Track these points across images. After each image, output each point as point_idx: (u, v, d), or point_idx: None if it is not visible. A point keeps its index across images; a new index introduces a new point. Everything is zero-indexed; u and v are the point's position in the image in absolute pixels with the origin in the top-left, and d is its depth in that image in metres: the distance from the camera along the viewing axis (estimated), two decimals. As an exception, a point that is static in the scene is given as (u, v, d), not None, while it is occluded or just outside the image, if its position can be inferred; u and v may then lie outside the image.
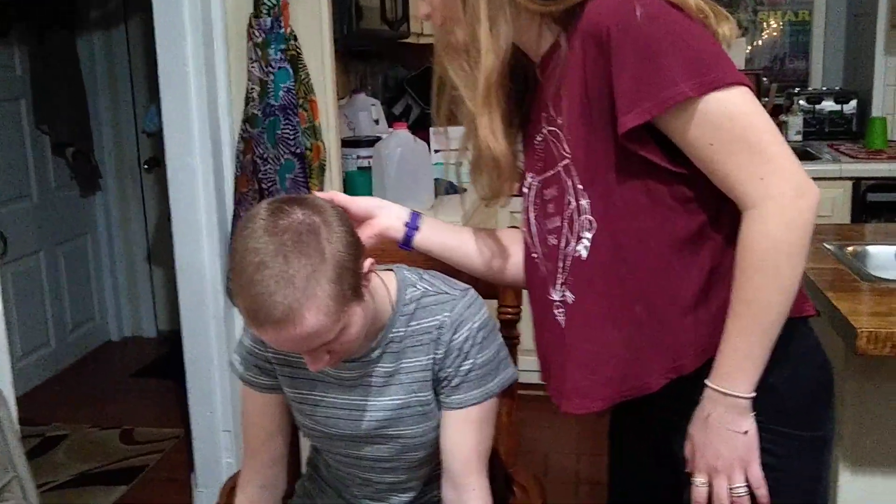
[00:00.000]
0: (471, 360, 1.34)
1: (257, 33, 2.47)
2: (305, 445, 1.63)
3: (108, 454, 3.31)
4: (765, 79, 4.30)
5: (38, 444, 3.40)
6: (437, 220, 1.44)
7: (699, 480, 1.16)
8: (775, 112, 4.13)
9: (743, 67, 4.19)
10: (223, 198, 2.63)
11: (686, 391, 1.15)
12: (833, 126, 4.10)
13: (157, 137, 3.76)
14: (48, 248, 4.15)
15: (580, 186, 1.15)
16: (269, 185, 2.49)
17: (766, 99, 4.11)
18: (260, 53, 2.47)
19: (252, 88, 2.50)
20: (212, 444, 2.79)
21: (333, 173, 2.60)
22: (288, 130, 2.46)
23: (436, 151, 2.90)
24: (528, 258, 1.33)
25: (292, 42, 2.47)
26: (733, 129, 1.05)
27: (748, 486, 1.14)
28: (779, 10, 4.38)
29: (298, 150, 2.47)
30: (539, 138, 1.24)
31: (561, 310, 1.22)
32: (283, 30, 2.45)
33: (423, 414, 1.38)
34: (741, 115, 1.05)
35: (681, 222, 1.12)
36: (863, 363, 1.64)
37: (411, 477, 1.46)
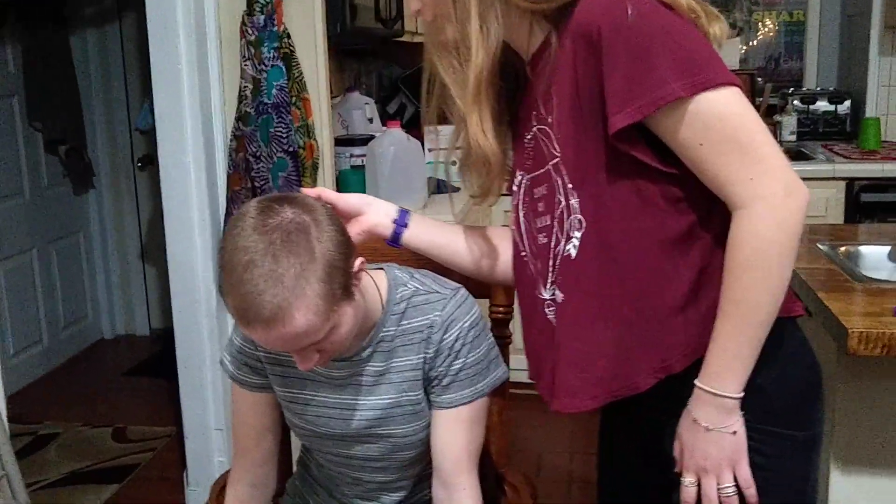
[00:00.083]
0: (461, 360, 1.34)
1: (250, 31, 2.46)
2: (296, 445, 1.62)
3: (100, 452, 3.30)
4: (759, 79, 4.31)
5: (29, 442, 3.39)
6: (425, 218, 1.43)
7: (688, 480, 1.16)
8: (769, 112, 4.13)
9: (737, 67, 4.19)
10: (216, 196, 2.63)
11: (675, 391, 1.15)
12: (827, 126, 4.10)
13: (150, 135, 3.75)
14: (41, 246, 4.14)
15: (570, 185, 1.15)
16: (262, 183, 2.49)
17: (761, 99, 4.11)
18: (253, 51, 2.46)
19: (245, 86, 2.49)
20: (204, 443, 2.79)
21: (327, 172, 2.60)
22: (281, 128, 2.46)
23: (429, 150, 2.90)
24: (517, 256, 1.32)
25: (286, 40, 2.47)
26: (724, 129, 1.05)
27: (737, 486, 1.14)
28: (774, 10, 4.38)
29: (291, 149, 2.47)
30: (529, 136, 1.24)
31: (552, 308, 1.22)
32: (276, 28, 2.45)
33: (414, 413, 1.38)
34: (732, 116, 1.05)
35: (671, 222, 1.11)
36: (854, 363, 1.64)
37: (402, 476, 1.46)
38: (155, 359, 4.32)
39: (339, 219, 1.25)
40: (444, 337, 1.33)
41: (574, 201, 1.15)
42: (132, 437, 3.43)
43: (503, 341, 1.55)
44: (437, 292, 1.37)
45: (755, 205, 1.04)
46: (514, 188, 1.30)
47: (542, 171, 1.21)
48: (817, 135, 4.09)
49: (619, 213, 1.12)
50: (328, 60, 2.56)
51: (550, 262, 1.21)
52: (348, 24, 2.63)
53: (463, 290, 1.39)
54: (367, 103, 3.21)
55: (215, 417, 2.76)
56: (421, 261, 1.45)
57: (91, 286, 4.58)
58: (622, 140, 1.08)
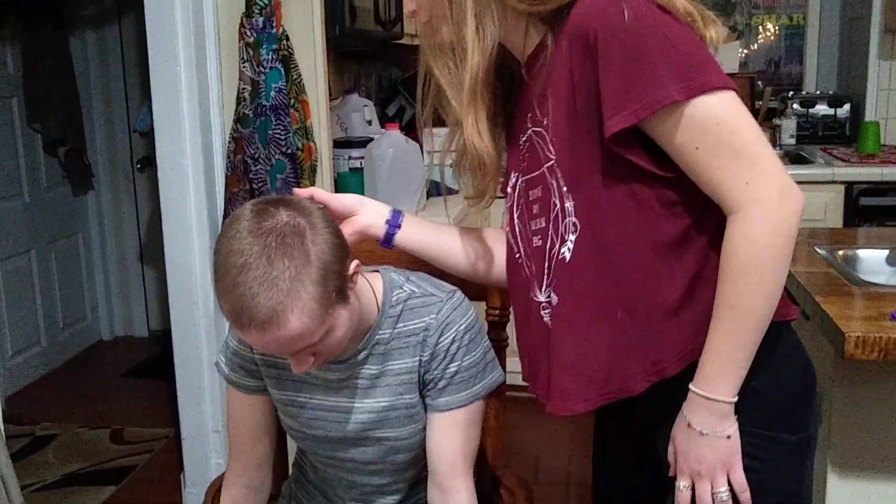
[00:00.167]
0: (457, 363, 1.34)
1: (249, 33, 2.46)
2: (292, 447, 1.62)
3: (98, 454, 3.30)
4: (759, 82, 4.31)
5: (27, 443, 3.38)
6: (419, 219, 1.43)
7: (682, 484, 1.15)
8: (769, 115, 4.13)
9: (737, 71, 4.19)
10: (214, 198, 2.63)
11: (669, 394, 1.15)
12: (826, 130, 4.09)
13: (149, 137, 3.75)
14: (40, 247, 4.14)
15: (565, 188, 1.15)
16: (260, 185, 2.49)
17: (761, 102, 4.11)
18: (251, 53, 2.46)
19: (243, 88, 2.49)
20: (201, 445, 2.78)
21: (325, 174, 2.60)
22: (279, 131, 2.46)
23: (428, 153, 2.90)
24: (511, 258, 1.32)
25: (284, 42, 2.47)
26: (720, 133, 1.04)
27: (731, 490, 1.13)
28: (773, 13, 4.38)
29: (289, 151, 2.47)
30: (524, 138, 1.24)
31: (547, 311, 1.22)
32: (274, 30, 2.45)
33: (409, 416, 1.38)
34: (728, 120, 1.05)
35: (665, 226, 1.11)
36: (851, 367, 1.64)
37: (397, 479, 1.46)
38: (153, 360, 4.31)
39: (335, 221, 1.24)
40: (440, 340, 1.33)
41: (569, 204, 1.15)
42: (130, 438, 3.43)
43: (499, 344, 1.55)
44: (433, 295, 1.36)
45: (750, 209, 1.04)
46: (509, 189, 1.30)
47: (537, 173, 1.21)
48: (817, 138, 4.08)
49: (614, 217, 1.12)
50: (327, 62, 2.56)
51: (546, 265, 1.20)
52: (347, 27, 2.63)
53: (459, 293, 1.38)
54: (366, 105, 3.21)
55: (213, 419, 2.75)
56: (417, 264, 1.45)
57: (90, 287, 4.58)
58: (618, 143, 1.07)
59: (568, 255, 1.16)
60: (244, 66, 2.48)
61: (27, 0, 3.89)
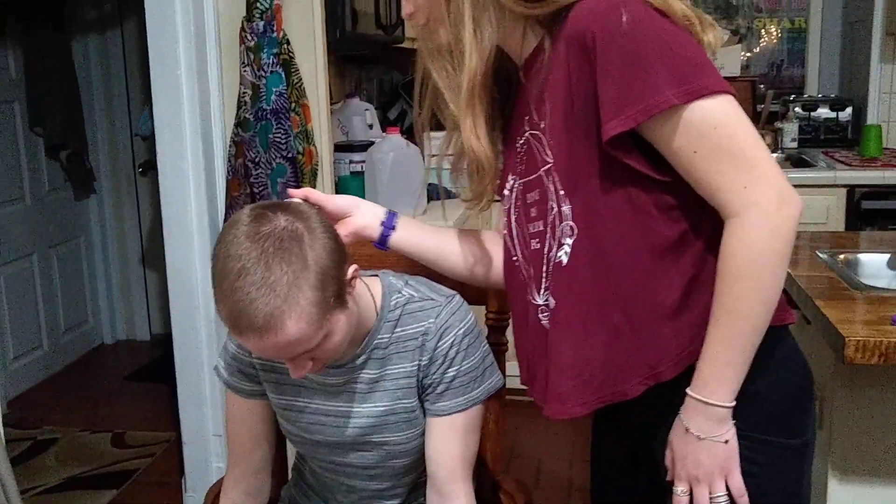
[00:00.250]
0: (455, 367, 1.33)
1: (250, 37, 2.46)
2: (292, 451, 1.62)
3: (99, 458, 3.29)
4: (761, 86, 4.31)
5: (28, 447, 3.38)
6: (415, 221, 1.43)
7: (680, 489, 1.15)
8: (771, 119, 4.13)
9: (739, 74, 4.19)
10: (215, 201, 2.63)
11: (665, 398, 1.14)
12: (828, 133, 4.09)
13: (151, 141, 3.75)
14: (41, 251, 4.14)
15: (562, 192, 1.15)
16: (261, 189, 2.49)
17: (762, 106, 4.11)
18: (252, 57, 2.46)
19: (244, 92, 2.49)
20: (202, 449, 2.78)
21: (326, 178, 2.60)
22: (280, 134, 2.46)
23: (430, 156, 2.89)
24: (508, 261, 1.32)
25: (285, 46, 2.47)
26: (718, 137, 1.04)
27: (729, 494, 1.13)
28: (775, 17, 4.38)
29: (290, 155, 2.47)
30: (521, 141, 1.24)
31: (546, 314, 1.21)
32: (275, 34, 2.45)
33: (408, 421, 1.37)
34: (726, 124, 1.04)
35: (662, 230, 1.11)
36: (852, 372, 1.64)
37: (396, 484, 1.46)
38: (155, 364, 4.31)
39: (333, 226, 1.24)
40: (439, 344, 1.33)
41: (566, 208, 1.14)
42: (131, 442, 3.43)
43: (499, 348, 1.55)
44: (432, 299, 1.36)
45: (748, 213, 1.04)
46: (507, 192, 1.29)
47: (534, 176, 1.20)
48: (818, 142, 4.08)
49: (611, 221, 1.11)
50: (328, 66, 2.56)
51: (544, 268, 1.20)
52: (348, 30, 2.63)
53: (458, 298, 1.38)
54: (367, 109, 3.21)
55: (213, 423, 2.75)
56: (417, 268, 1.45)
57: (92, 291, 4.58)
58: (615, 147, 1.07)
59: (565, 259, 1.16)
60: (245, 70, 2.48)
61: (30, 5, 3.90)
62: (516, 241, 1.28)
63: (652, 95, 1.03)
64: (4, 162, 3.88)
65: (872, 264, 2.01)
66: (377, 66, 3.78)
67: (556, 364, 1.19)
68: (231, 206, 2.57)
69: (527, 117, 1.21)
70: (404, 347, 1.35)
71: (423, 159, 2.78)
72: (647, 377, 1.14)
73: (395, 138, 2.73)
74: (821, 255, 2.00)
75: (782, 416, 1.17)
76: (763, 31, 4.40)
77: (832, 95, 4.22)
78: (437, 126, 1.28)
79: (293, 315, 1.13)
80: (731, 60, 4.10)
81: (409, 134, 2.94)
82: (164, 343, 4.33)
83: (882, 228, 3.37)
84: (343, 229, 1.34)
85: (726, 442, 1.11)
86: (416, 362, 1.34)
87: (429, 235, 1.41)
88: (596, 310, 1.14)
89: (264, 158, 2.47)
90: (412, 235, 1.40)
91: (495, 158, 1.24)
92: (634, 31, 1.04)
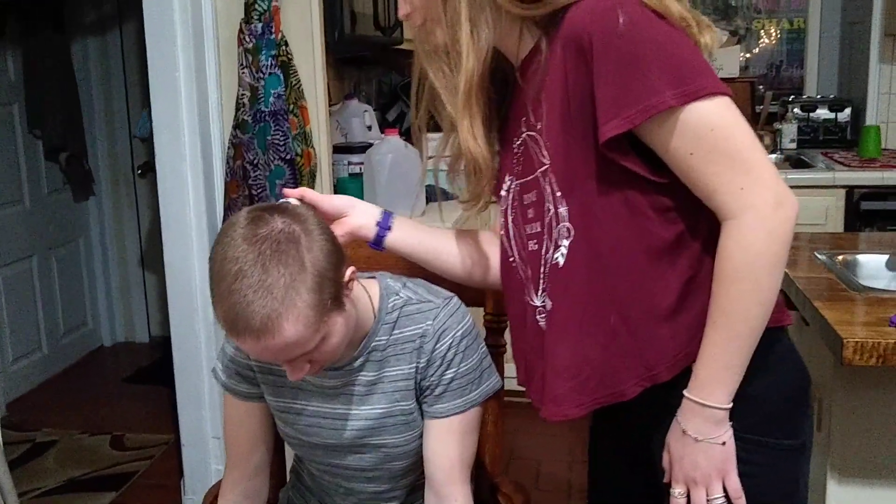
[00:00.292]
0: (453, 369, 1.33)
1: (248, 39, 2.46)
2: (290, 454, 1.61)
3: (98, 460, 3.29)
4: (760, 86, 4.30)
5: (27, 449, 3.38)
6: (411, 221, 1.42)
7: (677, 491, 1.15)
8: (770, 120, 4.13)
9: (738, 75, 4.18)
10: (213, 203, 2.63)
11: (662, 399, 1.14)
12: (827, 134, 4.09)
13: (150, 143, 3.75)
14: (41, 253, 4.14)
15: (558, 193, 1.14)
16: (259, 190, 2.49)
17: (761, 107, 4.11)
18: (251, 59, 2.46)
19: (243, 94, 2.49)
20: (201, 451, 2.78)
21: (324, 179, 2.59)
22: (278, 136, 2.46)
23: (428, 158, 2.89)
24: (505, 262, 1.32)
25: (283, 48, 2.47)
26: (714, 139, 1.04)
27: (727, 496, 1.13)
28: (774, 18, 4.38)
29: (288, 156, 2.47)
30: (518, 142, 1.23)
31: (543, 315, 1.21)
32: (273, 35, 2.45)
33: (406, 423, 1.37)
34: (723, 126, 1.04)
35: (659, 231, 1.11)
36: (850, 373, 1.64)
37: (394, 486, 1.45)
38: (154, 366, 4.31)
39: (330, 229, 1.24)
40: (437, 346, 1.33)
41: (563, 209, 1.14)
42: (130, 444, 3.43)
43: (497, 350, 1.55)
44: (430, 301, 1.36)
45: (745, 215, 1.04)
46: (504, 193, 1.29)
47: (531, 177, 1.20)
48: (817, 142, 4.08)
49: (607, 222, 1.11)
50: (326, 68, 2.56)
51: (541, 270, 1.20)
52: (347, 32, 2.63)
53: (455, 299, 1.38)
54: (366, 111, 3.21)
55: (212, 425, 2.75)
56: (415, 270, 1.45)
57: (91, 293, 4.58)
58: (612, 149, 1.07)
59: (562, 261, 1.15)
60: (243, 72, 2.48)
61: (29, 6, 3.90)
62: (513, 242, 1.28)
63: (649, 97, 1.03)
64: (3, 164, 3.88)
65: (871, 265, 2.01)
66: (376, 67, 3.78)
67: (552, 366, 1.19)
68: (229, 208, 2.57)
69: (523, 118, 1.21)
70: (402, 349, 1.35)
71: (422, 161, 2.78)
72: (644, 378, 1.14)
73: (394, 140, 2.73)
74: (819, 256, 2.00)
75: (779, 418, 1.17)
76: (762, 31, 4.40)
77: (831, 96, 4.22)
78: (435, 127, 1.28)
79: (290, 318, 1.12)
80: (729, 61, 4.09)
81: (408, 135, 2.94)
82: (163, 345, 4.33)
83: (881, 229, 3.37)
84: (339, 229, 1.34)
85: (723, 444, 1.11)
86: (414, 364, 1.34)
87: (425, 236, 1.41)
88: (592, 311, 1.14)
89: (263, 160, 2.47)
90: (408, 236, 1.39)
91: (492, 159, 1.24)
92: (631, 32, 1.04)
